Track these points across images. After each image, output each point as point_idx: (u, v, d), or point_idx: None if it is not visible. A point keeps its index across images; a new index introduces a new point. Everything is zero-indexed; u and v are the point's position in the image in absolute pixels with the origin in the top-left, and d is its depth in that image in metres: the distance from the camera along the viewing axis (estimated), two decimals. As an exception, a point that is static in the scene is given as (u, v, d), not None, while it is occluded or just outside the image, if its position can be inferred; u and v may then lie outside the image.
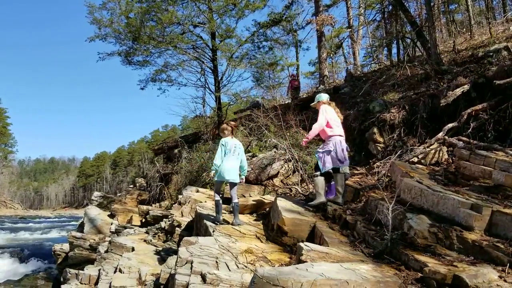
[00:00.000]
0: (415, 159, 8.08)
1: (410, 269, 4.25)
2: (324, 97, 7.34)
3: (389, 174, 7.74)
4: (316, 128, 6.77)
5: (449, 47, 14.94)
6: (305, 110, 14.80)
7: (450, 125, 8.35)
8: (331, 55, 25.93)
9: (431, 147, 8.16)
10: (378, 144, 9.99)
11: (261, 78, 21.88)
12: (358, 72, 19.96)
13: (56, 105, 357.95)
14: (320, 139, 7.31)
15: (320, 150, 6.86)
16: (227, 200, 8.07)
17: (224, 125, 7.46)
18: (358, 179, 8.51)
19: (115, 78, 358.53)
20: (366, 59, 31.23)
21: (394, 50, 17.89)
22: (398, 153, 8.70)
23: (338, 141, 6.74)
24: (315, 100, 7.42)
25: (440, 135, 8.27)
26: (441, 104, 9.01)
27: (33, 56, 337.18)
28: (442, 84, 10.02)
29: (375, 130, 10.04)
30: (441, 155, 7.91)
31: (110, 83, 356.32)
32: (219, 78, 18.26)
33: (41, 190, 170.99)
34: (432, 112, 9.33)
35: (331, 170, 6.75)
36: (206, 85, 19.07)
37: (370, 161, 9.65)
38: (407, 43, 14.81)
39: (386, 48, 19.71)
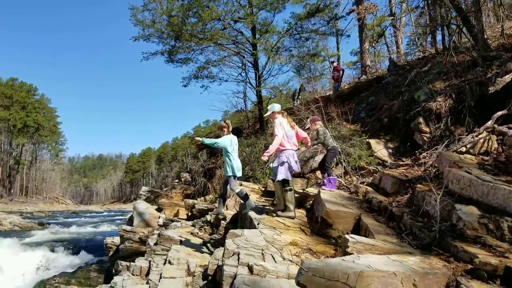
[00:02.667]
0: (463, 149, 7.82)
1: (460, 261, 4.15)
2: (277, 107, 7.32)
3: (436, 165, 7.55)
4: (276, 142, 6.80)
5: (497, 32, 14.28)
6: (346, 102, 14.64)
7: (499, 113, 8.02)
8: (373, 44, 25.37)
9: (479, 136, 7.88)
10: (424, 134, 9.73)
11: (301, 69, 21.77)
12: (402, 61, 19.40)
13: (103, 104, 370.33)
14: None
15: (275, 164, 6.93)
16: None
17: (223, 123, 7.71)
18: (403, 171, 8.34)
19: (159, 77, 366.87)
20: (410, 47, 30.39)
21: (438, 37, 17.29)
22: (445, 143, 8.47)
23: (291, 154, 6.88)
24: (268, 111, 7.41)
25: (489, 123, 7.96)
26: (489, 92, 8.67)
27: (82, 57, 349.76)
28: (490, 71, 9.61)
29: (421, 120, 9.78)
30: (490, 144, 7.63)
31: (154, 82, 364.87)
32: (260, 72, 18.32)
33: (91, 186, 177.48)
34: (480, 100, 8.99)
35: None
36: (247, 80, 19.20)
37: (416, 152, 9.41)
38: (453, 29, 14.28)
39: (430, 35, 19.11)
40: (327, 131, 8.56)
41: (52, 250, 17.29)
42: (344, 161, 9.73)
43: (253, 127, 17.85)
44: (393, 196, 7.07)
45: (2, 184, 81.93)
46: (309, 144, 7.96)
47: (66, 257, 16.88)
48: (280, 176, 6.78)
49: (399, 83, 13.16)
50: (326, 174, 8.18)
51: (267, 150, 6.95)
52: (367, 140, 10.62)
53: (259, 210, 7.89)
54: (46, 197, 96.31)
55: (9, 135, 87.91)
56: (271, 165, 7.39)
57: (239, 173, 7.36)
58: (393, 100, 11.88)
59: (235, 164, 7.30)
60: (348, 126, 11.78)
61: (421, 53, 19.71)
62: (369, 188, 7.92)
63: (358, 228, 6.08)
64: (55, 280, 13.65)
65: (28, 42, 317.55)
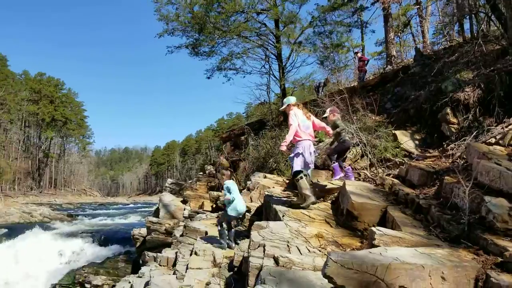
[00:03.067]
0: (493, 140, 7.64)
1: (489, 254, 4.08)
2: (292, 100, 7.34)
3: (464, 156, 7.40)
4: (291, 132, 6.83)
5: (528, 19, 13.88)
6: (371, 93, 14.46)
7: (530, 102, 7.81)
8: (399, 34, 24.95)
9: (509, 126, 7.68)
10: (451, 125, 9.54)
11: (325, 61, 21.57)
12: (428, 51, 19.00)
13: (128, 98, 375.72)
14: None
15: (292, 155, 6.98)
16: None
17: (224, 171, 8.27)
18: (431, 162, 8.21)
19: (183, 71, 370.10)
20: (436, 36, 29.71)
21: (466, 26, 16.87)
22: (474, 134, 8.30)
23: (307, 145, 6.85)
24: (284, 104, 7.44)
25: (520, 113, 7.77)
26: (520, 81, 8.44)
27: (108, 52, 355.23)
28: (520, 59, 9.36)
29: (448, 110, 9.58)
30: (521, 135, 7.44)
31: (179, 76, 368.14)
32: (283, 64, 18.25)
33: (117, 178, 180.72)
34: (510, 89, 8.75)
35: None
36: (271, 72, 19.16)
37: (444, 143, 9.24)
38: (481, 17, 13.92)
39: (457, 24, 18.65)
40: (343, 124, 8.52)
41: (81, 241, 17.70)
42: (369, 153, 9.63)
43: (277, 120, 17.79)
44: (420, 188, 6.97)
45: (32, 177, 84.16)
46: (331, 133, 7.91)
47: (94, 248, 17.26)
48: (296, 167, 6.80)
49: (426, 73, 12.91)
50: (336, 164, 8.21)
51: (284, 140, 6.99)
52: (393, 131, 10.48)
53: (283, 202, 7.91)
54: (74, 189, 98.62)
55: (38, 128, 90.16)
56: (288, 159, 7.40)
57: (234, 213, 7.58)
58: (419, 91, 11.67)
59: (238, 205, 7.58)
60: (373, 118, 11.63)
61: (448, 42, 19.26)
62: (395, 180, 7.83)
63: (384, 221, 6.03)
64: (84, 270, 13.99)
65: (54, 37, 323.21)
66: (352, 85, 17.43)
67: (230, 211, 7.45)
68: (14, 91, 76.51)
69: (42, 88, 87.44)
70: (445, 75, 11.12)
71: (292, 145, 7.27)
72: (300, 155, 6.80)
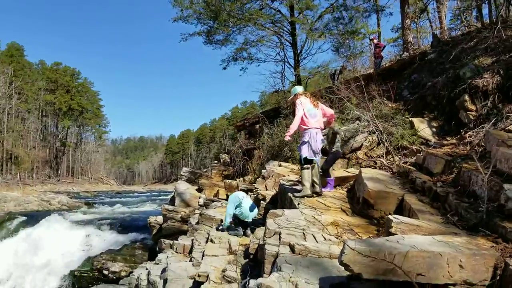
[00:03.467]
0: (512, 127, 7.52)
1: (508, 242, 4.02)
2: (299, 89, 7.33)
3: (483, 144, 7.29)
4: (295, 121, 6.84)
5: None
6: (388, 80, 14.28)
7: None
8: (415, 20, 24.52)
9: (530, 113, 7.54)
10: (469, 113, 9.38)
11: (341, 47, 21.35)
12: (446, 37, 18.64)
13: (142, 87, 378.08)
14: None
15: (300, 144, 7.05)
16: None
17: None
18: (448, 150, 8.11)
19: (196, 60, 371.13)
20: (454, 22, 29.17)
21: (485, 11, 16.51)
22: (493, 121, 8.15)
23: (314, 133, 6.81)
24: (291, 94, 7.42)
25: (540, 100, 7.60)
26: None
27: (121, 42, 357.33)
28: (541, 45, 9.13)
29: (466, 97, 9.41)
30: (541, 122, 7.29)
31: (192, 65, 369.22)
32: (298, 51, 18.11)
33: (133, 167, 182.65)
34: (531, 75, 8.57)
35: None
36: (285, 59, 19.04)
37: (461, 130, 9.10)
38: (500, 2, 13.60)
39: (476, 9, 18.25)
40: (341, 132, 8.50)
41: (99, 229, 17.95)
42: (386, 140, 9.55)
43: (292, 108, 17.67)
44: (438, 176, 6.89)
45: (50, 166, 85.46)
46: (333, 120, 7.78)
47: (111, 235, 17.48)
48: (304, 154, 6.81)
49: (443, 60, 12.69)
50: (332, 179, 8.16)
51: (288, 130, 7.01)
52: (410, 119, 10.35)
53: (298, 190, 7.91)
54: (91, 178, 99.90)
55: (55, 118, 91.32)
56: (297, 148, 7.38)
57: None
58: (437, 78, 11.48)
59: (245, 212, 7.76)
60: (390, 105, 11.51)
61: (466, 28, 18.89)
62: (412, 168, 7.75)
63: (401, 209, 6.00)
64: (102, 257, 14.21)
65: (69, 27, 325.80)
66: (368, 72, 17.23)
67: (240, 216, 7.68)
68: (31, 81, 77.57)
69: (58, 78, 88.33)
70: (463, 61, 10.91)
71: (300, 134, 7.25)
72: (307, 143, 6.80)
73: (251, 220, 7.86)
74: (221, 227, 7.85)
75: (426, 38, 27.38)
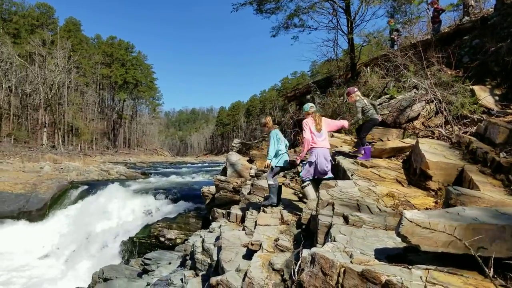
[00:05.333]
0: None
1: None
2: (306, 108, 7.24)
3: (552, 112, 6.82)
4: (305, 142, 6.88)
5: None
6: (447, 46, 13.56)
7: None
8: (477, -19, 22.96)
9: None
10: (537, 79, 8.77)
11: (396, 13, 20.44)
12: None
13: (194, 59, 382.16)
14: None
15: (305, 161, 7.04)
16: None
17: (264, 120, 7.94)
18: (512, 119, 7.65)
19: (246, 31, 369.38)
20: (521, -18, 27.07)
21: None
22: None
23: (321, 153, 6.72)
24: (303, 110, 7.42)
25: None
26: None
27: (174, 14, 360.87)
28: None
29: (534, 63, 8.80)
30: None
31: (242, 38, 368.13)
32: (352, 18, 17.48)
33: (185, 139, 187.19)
34: None
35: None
36: (338, 26, 18.44)
37: (528, 98, 8.55)
38: None
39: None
40: (365, 101, 8.13)
41: (155, 198, 18.65)
42: (445, 109, 9.13)
43: (345, 76, 17.29)
44: (501, 147, 6.52)
45: (107, 137, 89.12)
46: (346, 126, 7.72)
47: (167, 204, 18.12)
48: (308, 176, 6.85)
49: (508, 24, 11.85)
50: (369, 147, 8.04)
51: (299, 154, 7.22)
52: (470, 86, 9.81)
53: (352, 161, 7.78)
54: (146, 149, 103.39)
55: (111, 91, 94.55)
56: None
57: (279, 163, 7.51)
58: (500, 43, 10.76)
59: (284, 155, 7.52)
60: (449, 72, 10.95)
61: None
62: (473, 138, 7.38)
63: (461, 180, 5.76)
64: (158, 224, 14.79)
65: (121, 5, 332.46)
66: (425, 38, 16.42)
67: (278, 162, 7.42)
68: (88, 55, 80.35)
69: (114, 52, 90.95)
70: (531, 24, 10.15)
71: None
72: (313, 164, 6.76)
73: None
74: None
75: (488, 1, 25.63)
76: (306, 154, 7.00)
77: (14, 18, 67.71)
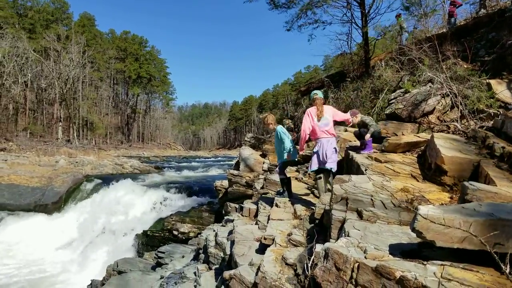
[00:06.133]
0: None
1: None
2: (311, 95, 7.12)
3: None
4: (301, 136, 6.75)
5: None
6: (463, 39, 13.37)
7: None
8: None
9: None
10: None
11: (412, 6, 20.15)
12: (529, -9, 17.04)
13: (207, 54, 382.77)
14: None
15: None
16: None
17: (267, 115, 7.96)
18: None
19: (259, 26, 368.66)
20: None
21: None
22: None
23: (324, 142, 6.60)
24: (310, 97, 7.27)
25: None
26: None
27: (188, 9, 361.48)
28: None
29: (554, 56, 8.62)
30: None
31: (255, 32, 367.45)
32: (366, 11, 17.28)
33: (198, 133, 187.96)
34: None
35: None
36: (353, 20, 18.25)
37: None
38: None
39: None
40: (367, 118, 8.65)
41: (168, 192, 18.76)
42: (460, 104, 9.00)
43: (358, 70, 17.13)
44: (518, 140, 6.43)
45: (121, 131, 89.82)
46: (349, 121, 7.73)
47: (180, 198, 18.23)
48: (313, 167, 6.70)
49: (527, 16, 11.65)
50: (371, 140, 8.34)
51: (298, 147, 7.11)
52: (487, 80, 9.66)
53: (366, 156, 7.73)
54: (159, 143, 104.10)
55: (125, 85, 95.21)
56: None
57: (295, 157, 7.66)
58: (518, 35, 10.59)
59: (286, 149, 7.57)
60: (465, 66, 10.79)
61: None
62: (489, 133, 7.27)
63: (477, 175, 5.68)
64: (172, 218, 14.88)
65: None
66: (441, 32, 16.19)
67: (287, 155, 7.49)
68: (102, 50, 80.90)
69: (127, 46, 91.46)
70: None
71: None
72: (316, 154, 6.66)
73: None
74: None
75: (506, -7, 25.14)
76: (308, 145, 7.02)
77: (30, 13, 68.32)
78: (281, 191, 7.85)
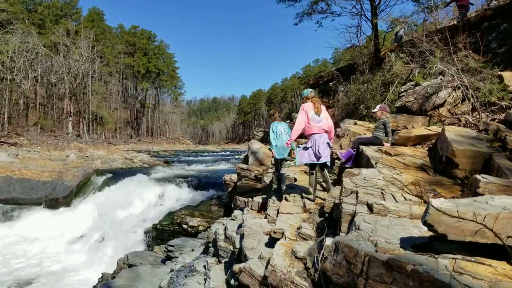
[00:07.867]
0: None
1: None
2: (306, 92, 7.24)
3: None
4: (295, 128, 6.79)
5: None
6: (474, 31, 13.20)
7: None
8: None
9: None
10: None
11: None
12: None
13: (215, 48, 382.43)
14: None
15: (301, 146, 6.96)
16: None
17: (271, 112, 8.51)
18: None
19: (267, 19, 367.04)
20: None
21: None
22: None
23: (318, 138, 6.68)
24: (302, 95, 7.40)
25: None
26: None
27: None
28: None
29: None
30: None
31: (263, 25, 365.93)
32: (376, 3, 17.09)
33: (207, 127, 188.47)
34: None
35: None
36: (362, 12, 18.07)
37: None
38: None
39: None
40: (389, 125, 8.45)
41: (178, 186, 18.84)
42: (472, 96, 8.89)
43: (368, 63, 16.98)
44: (529, 133, 6.34)
45: (131, 126, 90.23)
46: (332, 135, 7.31)
47: (189, 192, 18.31)
48: (302, 160, 6.76)
49: (541, 6, 11.46)
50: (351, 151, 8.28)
51: (289, 138, 7.08)
52: (499, 72, 9.52)
53: (376, 149, 7.68)
54: (169, 138, 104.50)
55: (134, 80, 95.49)
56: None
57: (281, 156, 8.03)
58: (532, 26, 10.42)
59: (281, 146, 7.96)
60: (477, 58, 10.64)
61: None
62: (501, 126, 7.18)
63: (488, 168, 5.61)
64: (181, 212, 14.95)
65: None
66: (452, 24, 15.99)
67: (278, 154, 7.93)
68: (111, 45, 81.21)
69: (136, 41, 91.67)
70: None
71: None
72: (309, 149, 6.70)
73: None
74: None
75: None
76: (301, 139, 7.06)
77: (39, 8, 68.68)
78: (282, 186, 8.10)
